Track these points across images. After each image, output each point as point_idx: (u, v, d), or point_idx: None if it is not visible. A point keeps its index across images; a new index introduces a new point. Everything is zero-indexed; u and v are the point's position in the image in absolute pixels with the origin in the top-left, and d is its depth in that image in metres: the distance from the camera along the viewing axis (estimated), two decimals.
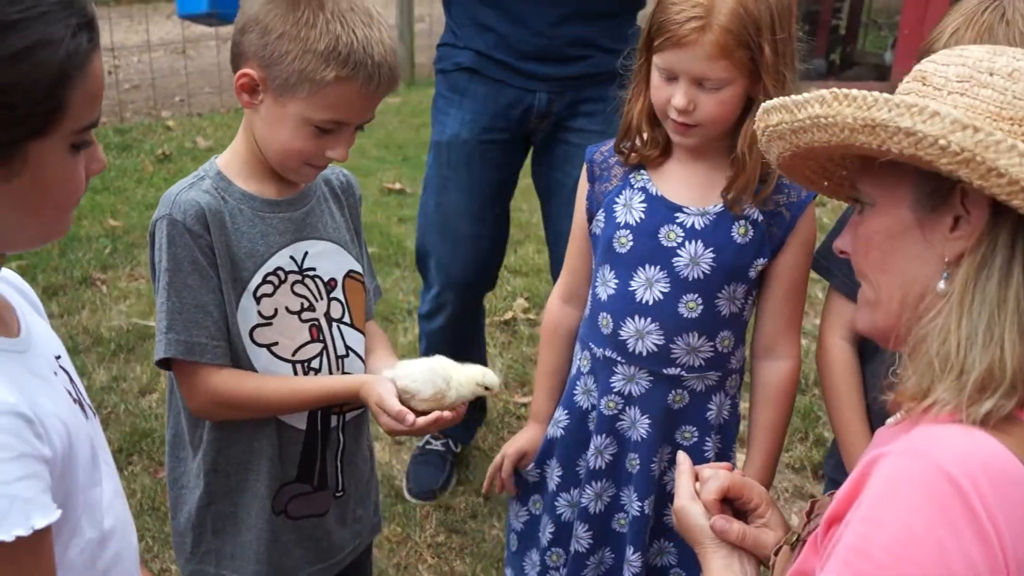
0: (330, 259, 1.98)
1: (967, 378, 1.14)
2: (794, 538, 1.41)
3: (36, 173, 1.15)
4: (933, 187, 1.22)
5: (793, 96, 1.28)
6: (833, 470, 2.19)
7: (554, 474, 2.23)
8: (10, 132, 1.11)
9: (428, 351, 3.26)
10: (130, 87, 8.60)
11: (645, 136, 2.05)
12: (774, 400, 2.12)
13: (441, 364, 1.95)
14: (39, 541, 1.13)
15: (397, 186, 6.26)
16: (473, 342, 3.40)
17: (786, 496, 3.44)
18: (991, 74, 1.21)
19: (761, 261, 2.02)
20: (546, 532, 2.25)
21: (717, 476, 1.56)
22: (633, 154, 2.07)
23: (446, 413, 1.90)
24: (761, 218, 2.00)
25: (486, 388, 1.95)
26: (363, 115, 1.84)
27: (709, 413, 2.12)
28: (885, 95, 1.18)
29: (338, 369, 1.99)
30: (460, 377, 1.93)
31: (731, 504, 1.56)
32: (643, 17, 2.99)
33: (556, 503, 2.23)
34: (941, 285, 1.22)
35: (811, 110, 1.24)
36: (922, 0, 7.20)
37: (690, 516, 1.53)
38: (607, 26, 2.84)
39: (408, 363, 1.96)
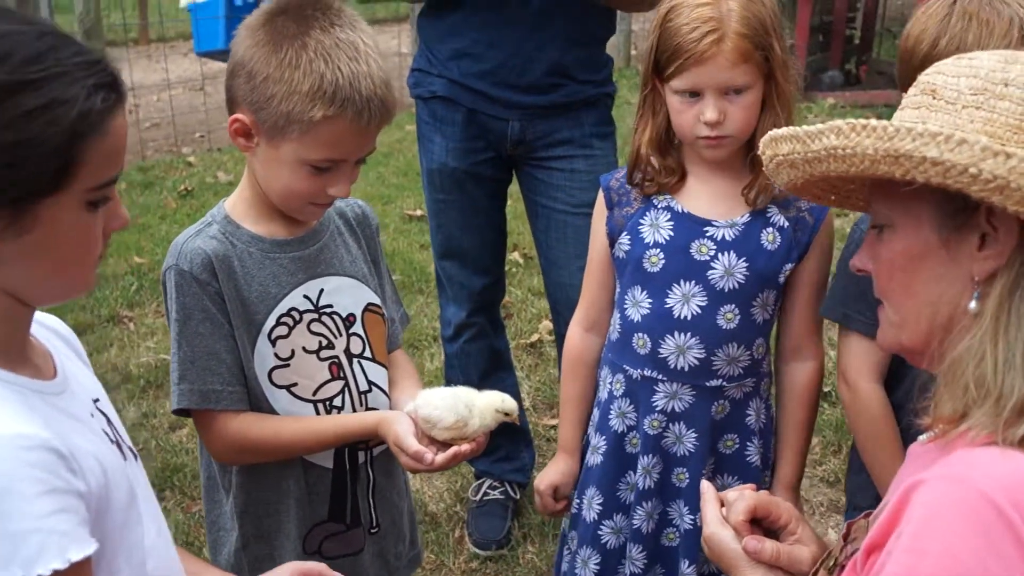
0: (347, 294, 1.96)
1: (1005, 402, 1.12)
2: (831, 562, 1.38)
3: (48, 229, 1.17)
4: (956, 206, 1.19)
5: (805, 127, 1.27)
6: (854, 495, 2.16)
7: (594, 503, 2.22)
8: (19, 188, 1.13)
9: (456, 377, 3.27)
10: (150, 125, 8.68)
11: (656, 165, 2.08)
12: (804, 400, 2.16)
13: (464, 391, 1.94)
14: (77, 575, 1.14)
15: (418, 213, 6.27)
16: (499, 364, 3.39)
17: (821, 510, 3.41)
18: (1006, 85, 1.18)
19: (789, 266, 2.06)
20: (590, 565, 2.23)
21: (743, 497, 1.53)
22: (649, 183, 2.10)
23: (464, 446, 1.87)
24: (787, 224, 2.05)
25: (505, 414, 1.93)
26: (359, 150, 1.81)
27: (748, 419, 2.15)
28: (907, 124, 1.15)
29: (361, 405, 1.97)
30: (481, 404, 1.91)
31: (760, 524, 1.53)
32: (613, 46, 3.02)
33: (600, 531, 2.21)
34: (973, 305, 1.19)
35: (826, 141, 1.23)
36: None
37: (721, 541, 1.49)
38: (582, 56, 2.86)
39: (430, 391, 1.95)
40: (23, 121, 1.11)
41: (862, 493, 2.05)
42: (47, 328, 1.41)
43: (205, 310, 1.81)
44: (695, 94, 1.95)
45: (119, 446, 1.36)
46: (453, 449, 1.86)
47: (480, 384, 3.28)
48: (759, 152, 1.41)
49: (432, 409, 1.87)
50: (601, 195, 2.19)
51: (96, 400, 1.38)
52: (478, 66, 2.85)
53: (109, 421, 1.38)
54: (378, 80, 1.75)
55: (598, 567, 2.23)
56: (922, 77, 1.28)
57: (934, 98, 1.24)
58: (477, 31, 2.83)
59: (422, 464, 1.83)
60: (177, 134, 8.17)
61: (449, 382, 3.37)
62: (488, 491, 3.43)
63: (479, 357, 3.29)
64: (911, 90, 1.30)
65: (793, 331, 2.14)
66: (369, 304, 2.00)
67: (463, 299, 3.22)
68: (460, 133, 2.95)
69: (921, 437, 1.30)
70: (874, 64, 9.94)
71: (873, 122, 1.18)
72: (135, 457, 1.43)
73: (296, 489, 1.95)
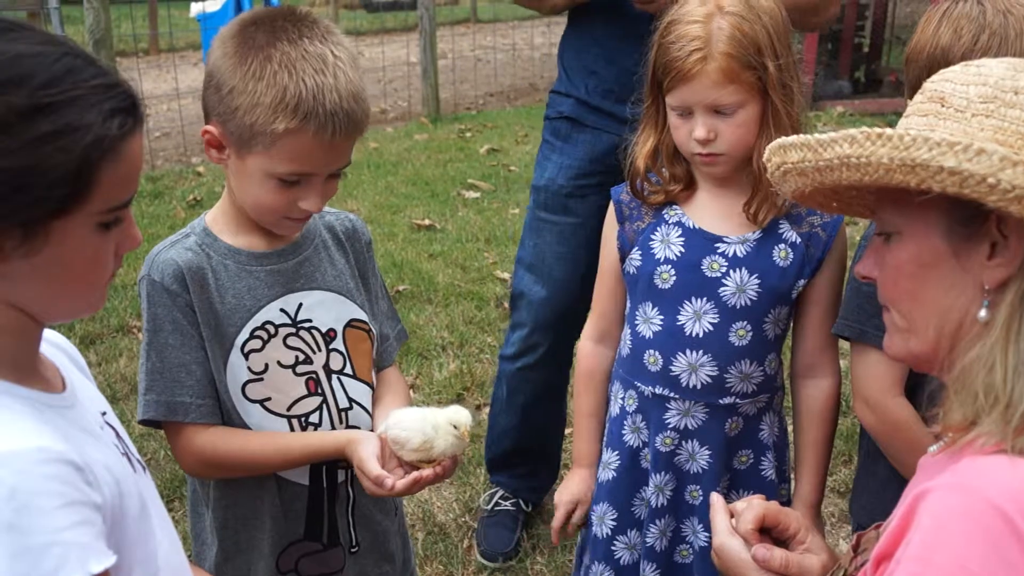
0: (328, 309, 1.92)
1: (1014, 410, 1.12)
2: (841, 573, 1.37)
3: (58, 250, 1.17)
4: (967, 214, 1.18)
5: (816, 135, 1.26)
6: (859, 514, 2.14)
7: (607, 519, 2.19)
8: (29, 212, 1.13)
9: (508, 395, 3.24)
10: (160, 135, 8.71)
11: (666, 174, 2.07)
12: (821, 418, 2.12)
13: (432, 412, 1.87)
14: None
15: (426, 222, 6.29)
16: (552, 395, 3.32)
17: (832, 521, 3.39)
18: (1016, 93, 1.17)
19: (802, 282, 2.04)
20: None
21: (752, 506, 1.53)
22: (654, 194, 2.09)
23: (426, 472, 1.81)
24: (799, 240, 2.03)
25: (455, 427, 1.84)
26: (328, 164, 1.76)
27: (762, 434, 2.13)
28: (923, 133, 1.15)
29: (341, 423, 1.93)
30: (443, 423, 1.83)
31: (769, 533, 1.53)
32: None
33: (613, 547, 2.19)
34: (983, 314, 1.19)
35: (839, 150, 1.21)
36: None
37: (730, 551, 1.49)
38: None
39: (402, 411, 1.89)
40: (36, 146, 1.10)
41: (867, 513, 2.02)
42: (51, 343, 1.41)
43: (175, 321, 1.79)
44: (687, 111, 1.95)
45: (128, 458, 1.36)
46: (414, 474, 1.80)
47: (523, 410, 3.26)
48: (764, 159, 1.39)
49: (400, 430, 1.82)
50: (612, 208, 2.17)
51: (103, 413, 1.39)
52: (602, 84, 2.86)
53: (117, 434, 1.38)
54: (344, 93, 1.69)
55: None
56: (928, 84, 1.28)
57: (942, 106, 1.23)
58: (599, 47, 2.84)
59: (383, 489, 1.78)
60: (186, 144, 8.21)
61: (494, 397, 3.37)
62: (499, 501, 3.41)
63: (536, 385, 3.22)
64: (917, 97, 1.29)
65: (808, 348, 2.11)
66: (352, 320, 1.95)
67: (534, 325, 3.13)
68: (579, 152, 2.94)
69: (931, 448, 1.30)
70: (883, 72, 9.94)
71: (888, 131, 1.17)
72: (144, 469, 1.43)
73: (271, 506, 1.92)
